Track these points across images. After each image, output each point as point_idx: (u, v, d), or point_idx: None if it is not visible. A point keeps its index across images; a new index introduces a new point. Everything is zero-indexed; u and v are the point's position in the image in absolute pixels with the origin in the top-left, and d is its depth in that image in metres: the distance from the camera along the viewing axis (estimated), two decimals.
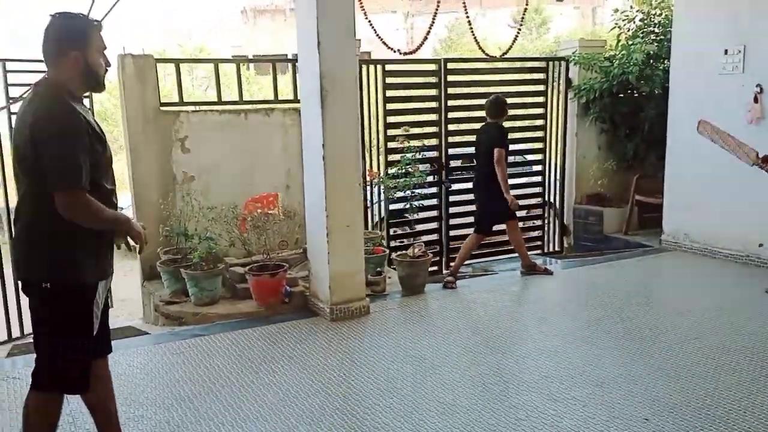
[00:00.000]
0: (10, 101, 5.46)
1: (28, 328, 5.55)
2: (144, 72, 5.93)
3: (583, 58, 7.74)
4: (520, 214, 6.71)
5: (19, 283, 2.61)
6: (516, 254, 6.26)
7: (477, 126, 6.31)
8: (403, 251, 5.82)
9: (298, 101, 6.22)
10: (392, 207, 6.69)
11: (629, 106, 7.77)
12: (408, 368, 4.00)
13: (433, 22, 6.47)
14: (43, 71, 2.58)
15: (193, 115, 6.16)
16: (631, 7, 7.92)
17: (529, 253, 6.25)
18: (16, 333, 5.77)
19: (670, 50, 6.78)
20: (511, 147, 6.34)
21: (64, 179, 2.37)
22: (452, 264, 6.15)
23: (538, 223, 8.19)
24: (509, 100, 6.29)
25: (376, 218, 6.94)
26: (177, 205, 5.96)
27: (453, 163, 7.36)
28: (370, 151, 6.82)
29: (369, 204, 6.72)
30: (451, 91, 7.15)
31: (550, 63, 7.95)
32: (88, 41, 2.52)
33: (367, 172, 6.50)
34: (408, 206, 5.87)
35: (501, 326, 4.81)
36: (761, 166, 4.97)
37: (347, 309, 4.92)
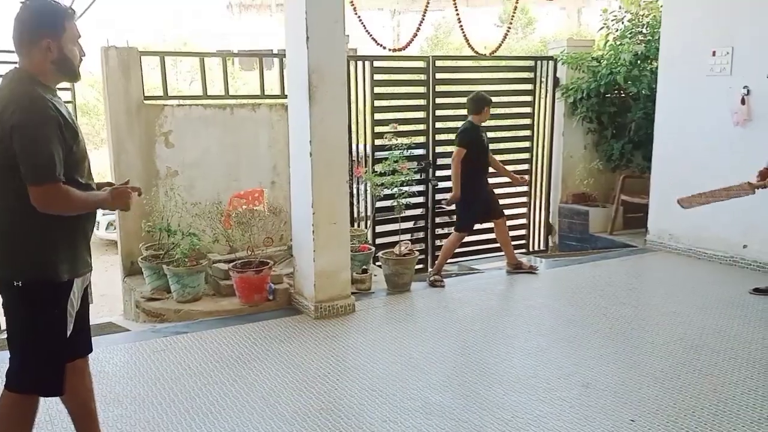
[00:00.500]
0: None
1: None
2: (128, 65, 5.83)
3: (571, 57, 7.75)
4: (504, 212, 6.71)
5: None
6: (502, 253, 6.24)
7: None
8: (389, 249, 5.78)
9: (285, 96, 6.15)
10: (379, 204, 6.65)
11: (616, 106, 7.80)
12: (393, 367, 3.96)
13: (423, 19, 6.44)
14: (15, 62, 2.48)
15: (178, 109, 6.08)
16: (620, 7, 7.94)
17: (515, 252, 6.24)
18: None
19: (658, 51, 6.80)
20: (498, 146, 6.32)
21: (38, 171, 2.27)
22: (436, 264, 6.11)
23: (524, 221, 8.18)
24: (497, 99, 6.26)
25: (363, 215, 6.90)
26: (160, 201, 5.87)
27: (441, 161, 7.33)
28: (357, 147, 6.78)
29: (356, 201, 6.67)
30: (439, 89, 7.11)
31: (539, 62, 7.95)
32: (61, 29, 2.41)
33: (354, 169, 6.45)
34: (395, 204, 5.82)
35: (487, 325, 4.79)
36: (762, 186, 4.92)
37: (332, 307, 4.87)
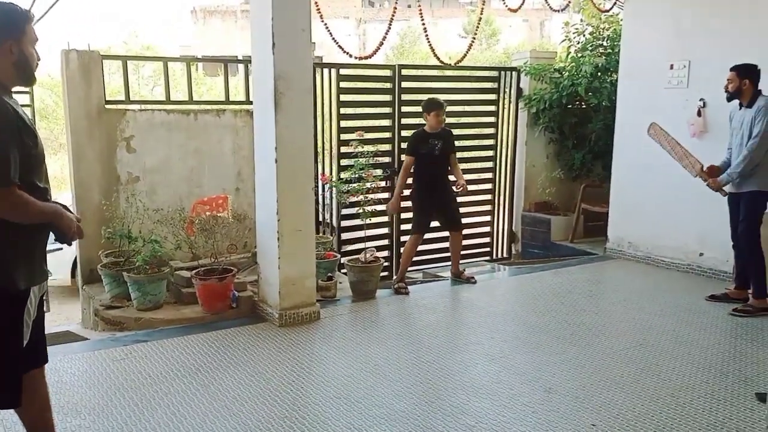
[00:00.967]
0: None
1: None
2: (89, 68, 5.72)
3: (534, 69, 7.88)
4: (468, 220, 6.78)
5: None
6: (468, 260, 6.30)
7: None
8: (355, 256, 5.77)
9: (250, 102, 6.12)
10: (344, 212, 6.64)
11: (577, 117, 7.95)
12: (358, 375, 3.95)
13: (389, 28, 6.48)
14: None
15: (140, 114, 5.99)
16: (582, 20, 8.12)
17: (478, 259, 6.31)
18: None
19: (618, 64, 6.97)
20: (462, 155, 6.37)
21: None
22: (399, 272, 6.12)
23: (487, 230, 8.26)
24: (462, 108, 6.29)
25: (328, 223, 6.88)
26: (121, 207, 5.77)
27: None
28: (323, 155, 6.77)
29: (321, 208, 6.65)
30: (404, 97, 7.15)
31: (502, 73, 8.06)
32: (22, 32, 2.39)
33: (320, 176, 6.44)
34: (360, 211, 5.82)
35: (451, 332, 4.82)
36: (704, 178, 5.13)
37: (297, 314, 4.83)
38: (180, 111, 6.15)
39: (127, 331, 4.95)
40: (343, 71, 6.77)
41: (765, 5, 5.57)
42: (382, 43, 6.53)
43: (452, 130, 6.16)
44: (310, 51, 4.87)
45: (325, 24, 6.02)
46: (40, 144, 2.44)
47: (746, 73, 4.87)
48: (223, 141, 6.29)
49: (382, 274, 5.95)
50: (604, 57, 7.71)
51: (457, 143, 6.12)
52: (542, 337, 4.61)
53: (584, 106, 7.92)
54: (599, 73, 7.57)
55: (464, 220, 6.32)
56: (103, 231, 5.52)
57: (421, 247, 6.28)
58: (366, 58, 6.76)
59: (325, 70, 6.67)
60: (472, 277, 6.09)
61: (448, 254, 6.30)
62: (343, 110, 6.83)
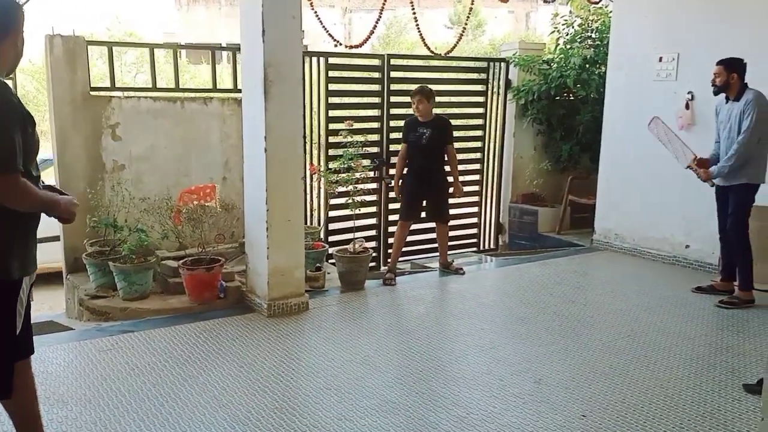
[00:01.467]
0: None
1: None
2: (74, 54, 5.61)
3: (523, 60, 7.87)
4: (455, 211, 6.77)
5: None
6: (457, 251, 6.30)
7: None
8: (343, 247, 5.75)
9: (238, 90, 6.05)
10: (332, 201, 6.60)
11: (565, 109, 7.96)
12: (347, 365, 3.94)
13: (380, 17, 6.42)
14: None
15: (126, 101, 5.89)
16: (570, 12, 8.11)
17: (465, 250, 6.32)
18: None
19: (607, 56, 6.98)
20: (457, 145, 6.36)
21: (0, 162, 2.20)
22: (389, 260, 6.13)
23: (475, 221, 8.27)
24: (450, 99, 6.23)
25: (316, 213, 6.84)
26: (106, 195, 5.69)
27: (393, 159, 7.32)
28: (311, 144, 6.71)
29: (309, 198, 6.61)
30: (393, 87, 7.11)
31: (491, 63, 8.04)
32: (22, 23, 2.44)
33: (308, 166, 6.39)
34: (349, 201, 5.79)
35: (440, 323, 4.82)
36: (694, 169, 5.15)
37: (285, 305, 4.81)
38: (166, 98, 6.07)
39: (113, 322, 4.89)
40: (331, 60, 6.71)
41: None
42: (373, 32, 6.48)
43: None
44: (300, 39, 4.82)
45: (315, 12, 5.95)
46: (37, 133, 2.45)
47: (733, 67, 4.89)
48: (210, 129, 6.22)
49: (370, 264, 5.94)
50: (592, 49, 7.72)
51: None
52: (531, 328, 4.62)
53: (572, 98, 7.94)
54: (588, 65, 7.58)
55: (452, 211, 6.31)
56: (88, 220, 5.43)
57: (409, 238, 6.27)
58: (356, 47, 6.70)
59: (314, 59, 6.61)
60: (461, 269, 6.09)
61: (437, 245, 6.31)
62: (331, 99, 6.78)
